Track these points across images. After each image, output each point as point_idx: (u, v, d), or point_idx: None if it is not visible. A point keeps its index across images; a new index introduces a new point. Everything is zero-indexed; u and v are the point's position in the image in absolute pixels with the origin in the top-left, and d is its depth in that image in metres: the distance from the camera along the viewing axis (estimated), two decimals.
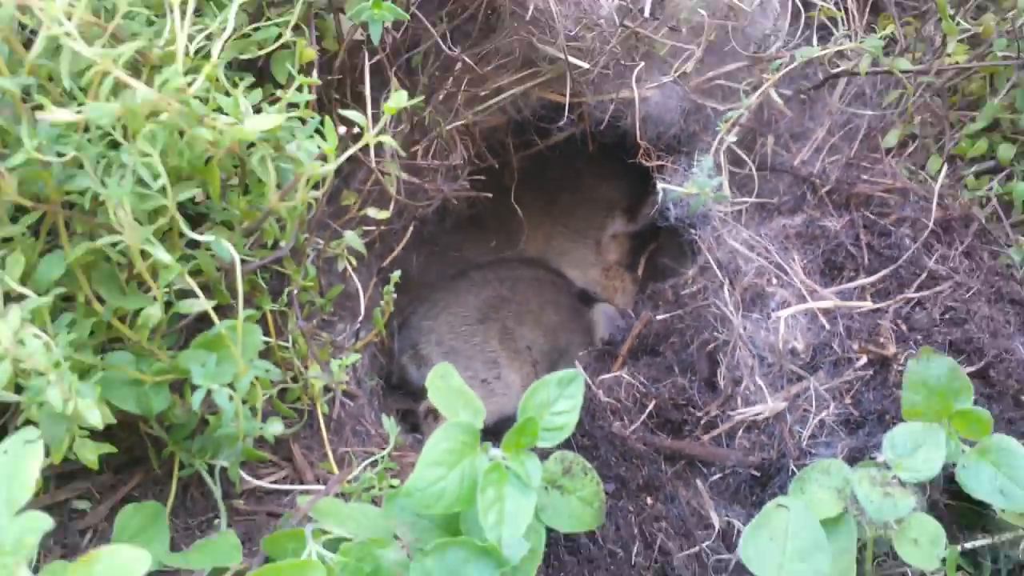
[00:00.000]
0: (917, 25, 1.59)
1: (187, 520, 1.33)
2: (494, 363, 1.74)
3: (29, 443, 0.98)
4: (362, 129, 1.19)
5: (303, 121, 1.22)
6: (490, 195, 1.67)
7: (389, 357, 1.73)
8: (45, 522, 0.92)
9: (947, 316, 1.42)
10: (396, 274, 1.39)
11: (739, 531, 1.35)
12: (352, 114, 1.18)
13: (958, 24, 1.52)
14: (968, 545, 1.33)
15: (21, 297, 1.03)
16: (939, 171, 1.53)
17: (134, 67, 1.11)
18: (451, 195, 1.56)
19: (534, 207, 1.93)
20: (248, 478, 1.34)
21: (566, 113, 1.53)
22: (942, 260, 1.46)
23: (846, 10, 1.57)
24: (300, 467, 1.37)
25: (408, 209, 1.55)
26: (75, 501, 1.34)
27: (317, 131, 1.19)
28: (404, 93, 1.19)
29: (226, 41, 1.12)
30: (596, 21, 1.44)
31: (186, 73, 1.06)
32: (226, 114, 1.10)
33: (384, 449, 1.35)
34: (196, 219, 1.21)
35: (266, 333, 1.31)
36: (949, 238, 1.48)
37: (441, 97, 1.50)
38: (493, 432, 1.17)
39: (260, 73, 1.34)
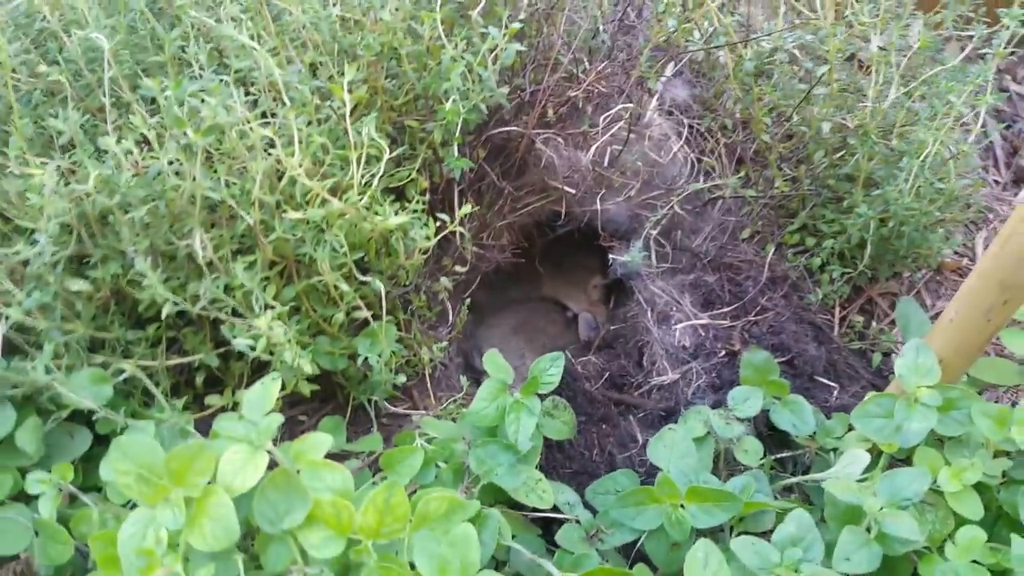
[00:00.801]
0: (761, 171, 1.93)
1: (356, 429, 1.66)
2: (521, 356, 2.01)
3: (273, 379, 1.22)
4: (447, 223, 1.53)
5: (419, 217, 1.52)
6: (523, 260, 1.99)
7: (466, 356, 1.99)
8: (279, 418, 1.16)
9: (771, 330, 1.75)
10: (467, 301, 1.75)
11: None
12: (443, 216, 1.53)
13: (783, 171, 1.89)
14: (777, 456, 1.60)
15: (272, 307, 1.33)
16: (771, 251, 1.84)
17: (333, 191, 1.41)
18: (502, 261, 1.88)
19: (548, 268, 2.25)
20: (388, 407, 1.67)
21: (563, 217, 1.86)
22: (770, 300, 1.77)
23: (721, 162, 1.91)
24: (416, 403, 1.72)
25: (477, 267, 1.84)
26: (299, 416, 1.66)
27: (426, 224, 1.51)
28: (468, 205, 1.54)
29: (380, 178, 1.43)
30: (579, 168, 1.80)
31: (359, 194, 1.39)
32: (379, 215, 1.42)
33: (459, 393, 1.71)
34: (363, 271, 1.50)
35: (399, 330, 1.67)
36: (775, 288, 1.80)
37: (496, 208, 1.84)
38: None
39: (400, 194, 1.64)
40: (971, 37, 1.83)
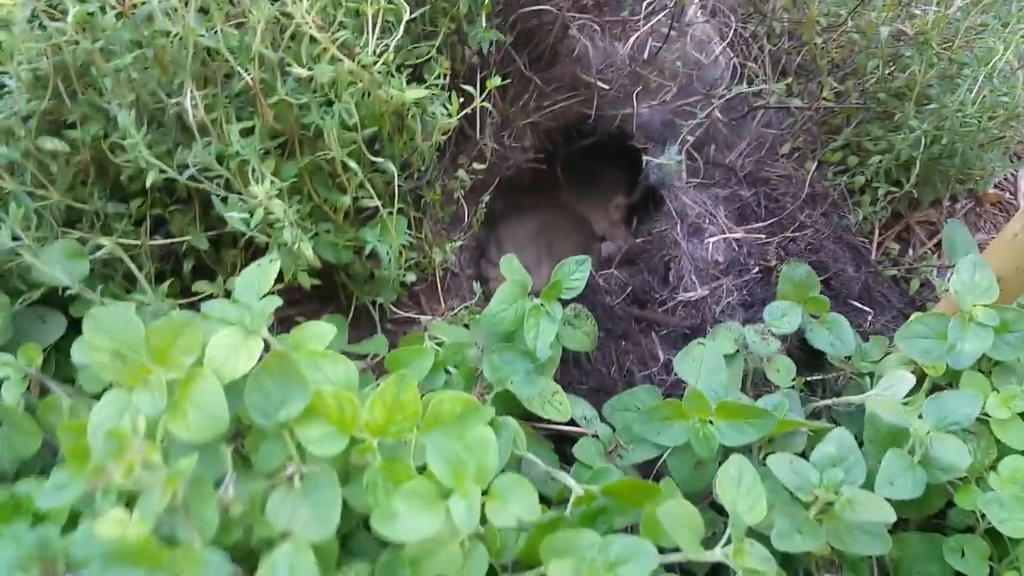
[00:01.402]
0: (805, 82, 1.79)
1: (359, 333, 1.55)
2: (539, 260, 1.91)
3: (272, 261, 1.10)
4: (472, 98, 1.34)
5: (438, 95, 1.35)
6: (545, 168, 1.87)
7: (480, 254, 1.90)
8: (276, 301, 1.04)
9: (808, 248, 1.64)
10: (486, 198, 1.63)
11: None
12: (467, 88, 1.36)
13: (830, 82, 1.74)
14: (808, 378, 1.50)
15: (271, 183, 1.16)
16: (811, 169, 1.73)
17: (344, 46, 1.21)
18: (523, 164, 1.75)
19: (571, 183, 2.13)
20: (394, 310, 1.57)
21: (593, 119, 1.72)
22: (808, 217, 1.67)
23: (765, 70, 1.77)
24: (424, 307, 1.62)
25: (496, 168, 1.72)
26: (296, 316, 1.54)
27: (448, 99, 1.35)
28: (499, 78, 1.36)
29: (397, 38, 1.23)
30: (615, 62, 1.65)
31: (374, 61, 1.20)
32: (394, 87, 1.26)
33: (471, 301, 1.60)
34: (374, 153, 1.34)
35: (409, 228, 1.52)
36: (814, 205, 1.70)
37: (520, 104, 1.69)
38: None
39: (417, 74, 1.45)
40: None
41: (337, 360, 1.07)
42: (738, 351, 1.46)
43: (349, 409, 1.00)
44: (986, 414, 1.30)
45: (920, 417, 1.24)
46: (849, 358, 1.48)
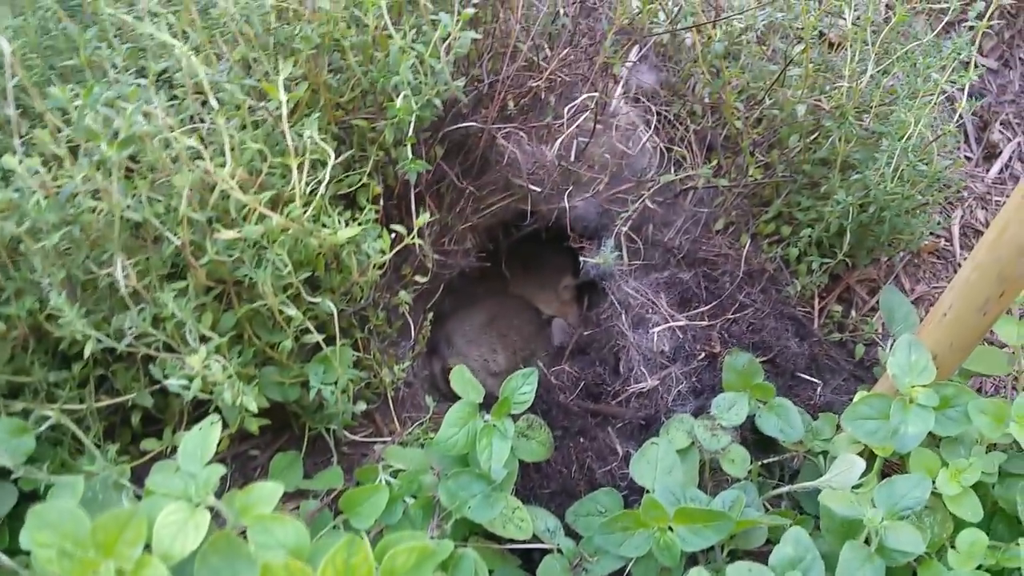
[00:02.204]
0: (733, 158, 1.83)
1: (315, 460, 1.53)
2: (493, 349, 1.90)
3: (213, 423, 1.11)
4: (405, 235, 1.36)
5: (370, 230, 1.35)
6: (489, 264, 1.88)
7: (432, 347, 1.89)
8: (220, 470, 1.06)
9: (750, 328, 1.66)
10: (431, 315, 1.64)
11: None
12: (398, 227, 1.37)
13: (756, 157, 1.79)
14: (764, 461, 1.51)
15: (209, 339, 1.21)
16: (746, 243, 1.76)
17: (273, 203, 1.26)
18: (466, 266, 1.77)
19: (516, 271, 2.15)
20: (349, 435, 1.55)
21: (529, 216, 1.74)
22: (748, 295, 1.69)
23: (691, 151, 1.81)
24: (379, 427, 1.60)
25: (440, 275, 1.72)
26: (250, 451, 1.53)
27: (380, 236, 1.35)
28: (427, 214, 1.37)
29: (327, 185, 1.27)
30: (544, 163, 1.68)
31: (303, 206, 1.22)
32: (326, 228, 1.26)
33: (426, 415, 1.57)
34: (313, 288, 1.36)
35: (356, 350, 1.54)
36: (752, 282, 1.72)
37: (457, 210, 1.70)
38: (488, 404, 1.36)
39: (351, 201, 1.51)
40: (943, 10, 1.73)
41: (286, 523, 1.06)
42: (692, 444, 1.47)
43: None
44: (936, 490, 1.32)
45: (873, 505, 1.26)
46: (802, 441, 1.49)
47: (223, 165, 1.14)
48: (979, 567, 1.29)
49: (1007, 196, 2.12)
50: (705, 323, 1.65)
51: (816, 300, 1.85)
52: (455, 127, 1.59)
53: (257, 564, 0.98)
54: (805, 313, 1.79)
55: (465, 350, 1.88)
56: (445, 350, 1.93)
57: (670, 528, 1.27)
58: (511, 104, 1.63)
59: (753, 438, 1.55)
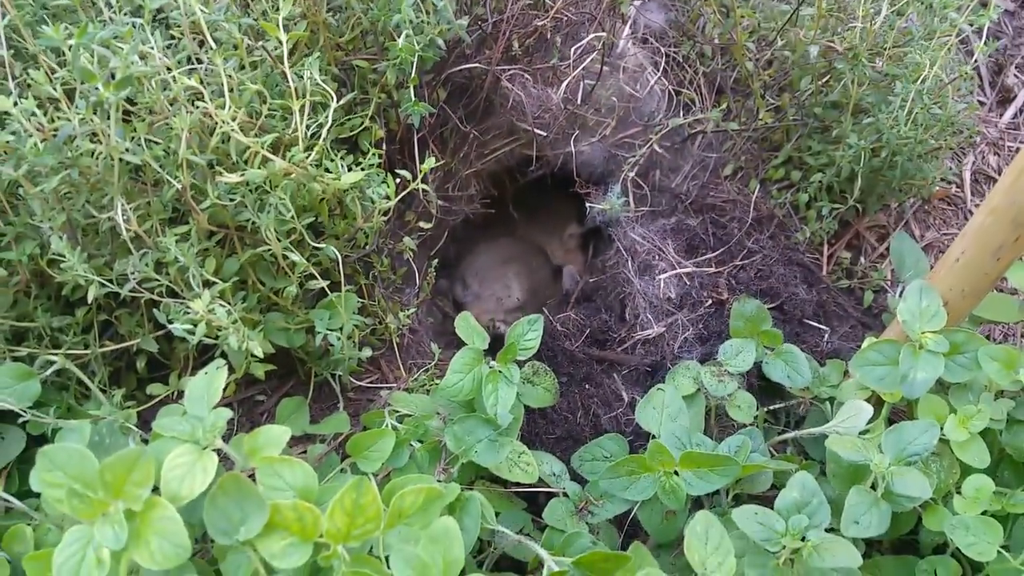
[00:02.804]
0: (743, 101, 1.79)
1: (321, 406, 1.56)
2: (506, 286, 1.91)
3: (219, 368, 1.11)
4: (409, 181, 1.36)
5: (375, 175, 1.38)
6: (493, 211, 1.87)
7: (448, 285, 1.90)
8: (227, 413, 1.06)
9: (758, 275, 1.65)
10: (435, 262, 1.62)
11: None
12: (403, 172, 1.37)
13: (767, 100, 1.75)
14: (770, 407, 1.51)
15: (213, 284, 1.22)
16: (755, 189, 1.73)
17: (274, 146, 1.28)
18: (470, 213, 1.76)
19: (523, 218, 2.15)
20: (354, 381, 1.56)
21: (534, 162, 1.73)
22: (756, 242, 1.67)
23: (700, 94, 1.77)
24: (385, 373, 1.61)
25: (444, 222, 1.73)
26: (256, 396, 1.55)
27: (384, 182, 1.37)
28: (432, 159, 1.37)
29: (329, 129, 1.29)
30: (550, 107, 1.66)
31: (305, 150, 1.24)
32: (330, 172, 1.28)
33: (432, 361, 1.59)
34: (317, 234, 1.40)
35: (361, 297, 1.54)
36: (760, 228, 1.70)
37: (461, 155, 1.69)
38: (494, 350, 1.35)
39: (353, 145, 1.51)
40: None
41: (294, 465, 1.07)
42: (698, 390, 1.46)
43: (310, 518, 1.01)
44: (943, 436, 1.31)
45: (880, 450, 1.26)
46: (808, 387, 1.49)
47: (223, 106, 1.12)
48: (984, 512, 1.30)
49: (1021, 142, 2.10)
50: (712, 270, 1.64)
51: (825, 247, 1.82)
52: (458, 68, 1.56)
53: (266, 505, 0.99)
54: (814, 260, 1.77)
55: (479, 289, 1.87)
56: (460, 291, 1.93)
57: (676, 472, 1.27)
58: (516, 45, 1.60)
59: (760, 384, 1.55)
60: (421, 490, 1.08)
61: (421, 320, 1.71)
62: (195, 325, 1.13)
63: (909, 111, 1.56)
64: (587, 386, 1.59)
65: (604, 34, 1.63)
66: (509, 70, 1.61)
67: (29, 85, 1.13)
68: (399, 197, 1.34)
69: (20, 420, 1.20)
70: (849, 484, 1.26)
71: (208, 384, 1.10)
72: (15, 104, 1.09)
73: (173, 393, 1.36)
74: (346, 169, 1.28)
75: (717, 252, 1.66)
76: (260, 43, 1.27)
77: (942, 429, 1.31)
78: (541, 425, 1.55)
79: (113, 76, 1.10)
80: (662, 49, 1.79)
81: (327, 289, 1.32)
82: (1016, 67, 2.30)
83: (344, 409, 1.54)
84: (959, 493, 1.31)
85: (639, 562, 1.17)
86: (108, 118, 1.10)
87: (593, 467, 1.40)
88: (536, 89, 1.63)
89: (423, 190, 1.47)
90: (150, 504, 0.98)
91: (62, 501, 0.99)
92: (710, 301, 1.62)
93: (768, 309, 1.56)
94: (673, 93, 1.76)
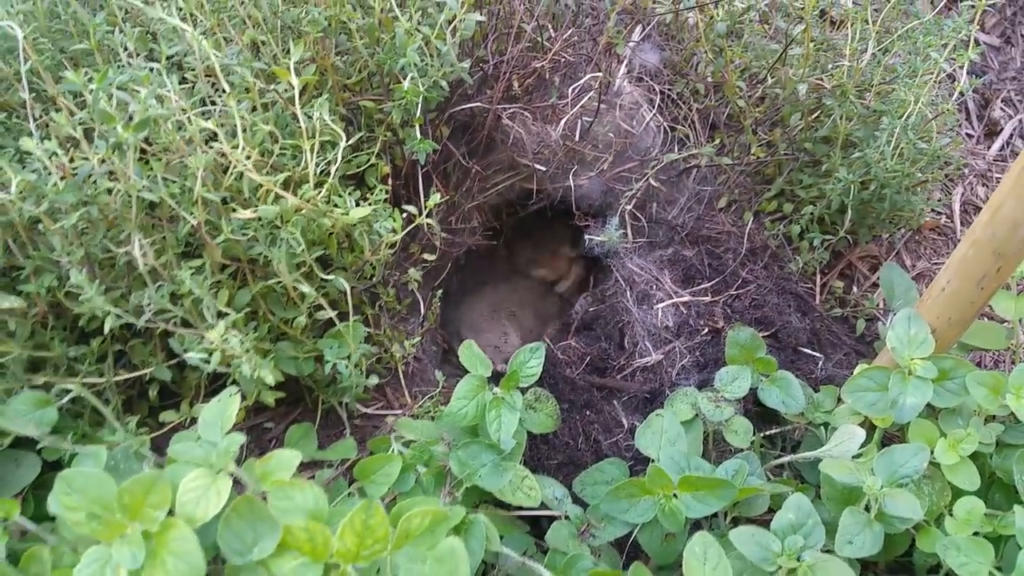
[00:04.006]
0: (735, 137, 1.85)
1: (328, 432, 1.59)
2: (504, 333, 1.96)
3: (232, 395, 1.17)
4: (415, 216, 1.45)
5: (382, 211, 1.41)
6: (495, 243, 1.93)
7: (445, 340, 1.95)
8: (240, 438, 1.11)
9: (753, 304, 1.70)
10: (440, 292, 1.67)
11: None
12: (409, 208, 1.44)
13: (758, 136, 1.82)
14: (766, 432, 1.56)
15: (226, 315, 1.25)
16: (749, 220, 1.79)
17: (286, 184, 1.32)
18: (472, 244, 1.81)
19: (521, 243, 2.22)
20: (361, 408, 1.61)
21: (534, 195, 1.79)
22: (750, 272, 1.72)
23: (695, 130, 1.83)
24: (390, 400, 1.65)
25: (447, 253, 1.78)
26: (265, 423, 1.59)
27: (391, 216, 1.41)
28: (437, 195, 1.42)
29: (337, 167, 1.34)
30: (549, 143, 1.72)
31: (315, 187, 1.30)
32: (338, 207, 1.33)
33: (436, 389, 1.62)
34: (325, 266, 1.45)
35: (367, 327, 1.59)
36: (755, 259, 1.76)
37: (464, 189, 1.75)
38: (498, 377, 1.41)
39: (360, 180, 1.57)
40: None
41: (305, 488, 1.12)
42: (696, 416, 1.50)
43: (320, 539, 1.05)
44: (934, 460, 1.36)
45: (872, 473, 1.30)
46: (803, 413, 1.53)
47: (237, 146, 1.19)
48: (976, 534, 1.33)
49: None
50: (708, 299, 1.69)
51: (818, 276, 1.88)
52: (461, 107, 1.63)
53: (279, 526, 1.04)
54: (807, 289, 1.82)
55: (476, 340, 1.91)
56: (456, 344, 1.94)
57: (675, 495, 1.31)
58: (516, 84, 1.67)
59: (756, 410, 1.59)
60: (428, 512, 1.12)
61: (425, 349, 1.76)
62: (210, 354, 1.18)
63: (896, 145, 1.63)
64: (588, 412, 1.63)
65: (601, 74, 1.70)
66: (510, 108, 1.67)
67: (48, 125, 1.19)
68: (406, 230, 1.39)
69: (36, 447, 1.24)
70: (843, 506, 1.30)
71: (222, 411, 1.15)
72: (38, 144, 1.15)
73: (185, 420, 1.40)
74: (354, 204, 1.34)
75: (713, 282, 1.71)
76: (272, 86, 1.34)
77: (933, 453, 1.36)
78: (543, 450, 1.59)
79: (131, 118, 1.17)
80: (657, 87, 1.86)
81: (335, 319, 1.36)
82: (1002, 100, 2.39)
83: (351, 435, 1.58)
84: (951, 515, 1.35)
85: None
86: (126, 158, 1.16)
87: (594, 491, 1.44)
88: (536, 126, 1.70)
89: (427, 224, 1.53)
90: (166, 525, 1.03)
91: (81, 523, 1.04)
92: (706, 329, 1.67)
93: (763, 337, 1.60)
94: (668, 129, 1.82)
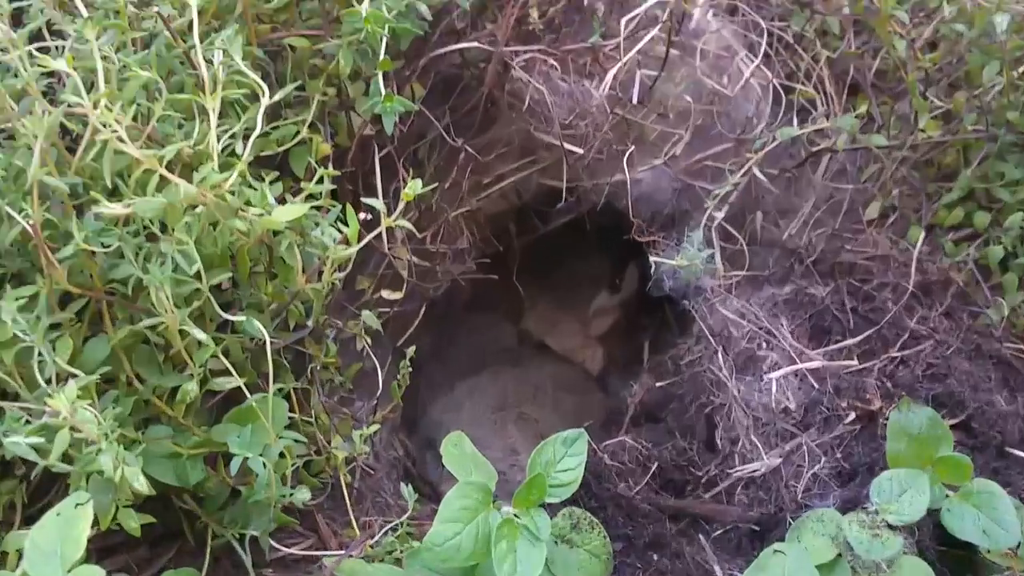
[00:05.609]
0: (892, 103, 1.89)
1: None
2: (511, 449, 1.99)
3: (80, 505, 1.16)
4: (378, 215, 1.43)
5: (321, 209, 1.46)
6: (495, 277, 1.95)
7: (406, 450, 1.97)
8: (98, 574, 1.12)
9: (929, 372, 1.71)
10: (411, 349, 1.66)
11: None
12: (373, 201, 1.44)
13: (930, 101, 1.85)
14: None
15: (70, 377, 1.22)
16: (917, 240, 1.80)
17: (169, 165, 1.28)
18: (459, 277, 1.83)
19: (532, 284, 2.22)
20: (277, 546, 1.57)
21: (564, 197, 1.80)
22: (922, 321, 1.74)
23: (824, 92, 1.88)
24: (324, 536, 1.63)
25: (419, 291, 1.78)
26: (115, 575, 1.50)
27: (338, 218, 1.44)
28: (419, 181, 1.42)
29: (252, 140, 1.35)
30: (588, 110, 1.74)
31: (220, 170, 1.29)
32: (254, 206, 1.33)
33: (404, 515, 1.58)
34: (223, 306, 1.40)
35: (290, 409, 1.56)
36: (929, 300, 1.78)
37: (447, 185, 1.77)
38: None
39: (279, 168, 1.55)
40: None
41: None
42: (840, 555, 1.51)
43: None
44: None
45: None
46: (1017, 548, 1.54)
47: (98, 102, 1.22)
48: None
49: None
50: (855, 364, 1.72)
51: None
52: (445, 50, 1.68)
53: None
54: (1017, 352, 1.83)
55: None
56: (430, 464, 2.02)
57: None
58: (534, 15, 1.71)
59: (940, 549, 1.59)
60: None
61: (380, 453, 1.79)
62: (48, 437, 1.19)
63: None
64: (655, 555, 1.64)
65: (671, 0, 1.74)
66: (524, 52, 1.72)
67: None
68: (364, 242, 1.43)
69: None
70: None
71: (65, 530, 1.15)
72: None
73: None
74: (277, 201, 1.38)
75: (860, 337, 1.75)
76: (152, 8, 1.39)
77: None
78: None
79: None
80: (761, 22, 1.91)
81: (244, 390, 1.39)
82: None
83: None
84: None
85: None
86: None
87: None
88: (566, 82, 1.74)
89: (387, 241, 1.60)
90: None
91: None
92: (852, 414, 1.69)
93: (948, 426, 1.61)
94: (781, 90, 1.86)
